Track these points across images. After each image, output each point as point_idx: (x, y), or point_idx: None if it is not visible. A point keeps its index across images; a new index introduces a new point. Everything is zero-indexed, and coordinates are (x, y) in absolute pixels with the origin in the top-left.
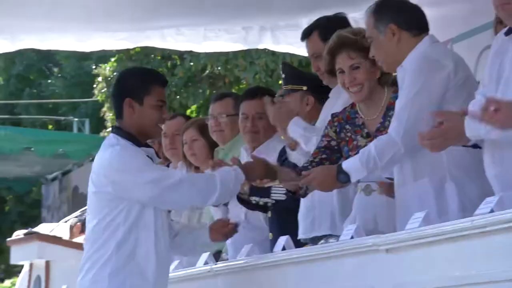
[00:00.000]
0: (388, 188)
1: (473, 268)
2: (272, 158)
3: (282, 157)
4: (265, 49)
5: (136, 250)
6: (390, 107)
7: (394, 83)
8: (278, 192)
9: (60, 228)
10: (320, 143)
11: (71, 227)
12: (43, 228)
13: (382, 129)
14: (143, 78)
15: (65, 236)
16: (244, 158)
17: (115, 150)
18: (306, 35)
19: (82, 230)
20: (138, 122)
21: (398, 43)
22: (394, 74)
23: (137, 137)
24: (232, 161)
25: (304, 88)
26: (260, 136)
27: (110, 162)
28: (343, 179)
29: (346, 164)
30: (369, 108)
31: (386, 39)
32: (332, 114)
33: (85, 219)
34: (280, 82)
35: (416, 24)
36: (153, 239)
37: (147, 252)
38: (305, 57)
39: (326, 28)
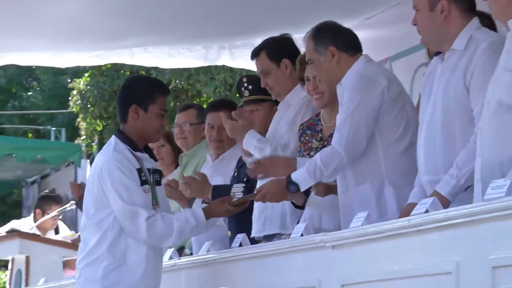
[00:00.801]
0: (323, 190)
1: (410, 263)
2: (235, 164)
3: (239, 163)
4: (223, 65)
5: (126, 255)
6: None
7: None
8: (237, 190)
9: (26, 221)
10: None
11: (34, 216)
12: (13, 224)
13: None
14: (150, 87)
15: (31, 223)
16: (209, 163)
17: (109, 159)
18: (255, 54)
19: (43, 214)
20: (141, 127)
21: (338, 63)
22: None
23: (136, 142)
24: (195, 174)
25: (273, 98)
26: (225, 144)
27: (102, 168)
28: (293, 189)
29: (295, 175)
30: (330, 116)
31: (326, 60)
32: (300, 125)
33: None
34: (238, 95)
35: (352, 45)
36: (142, 245)
37: (138, 258)
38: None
39: (272, 48)
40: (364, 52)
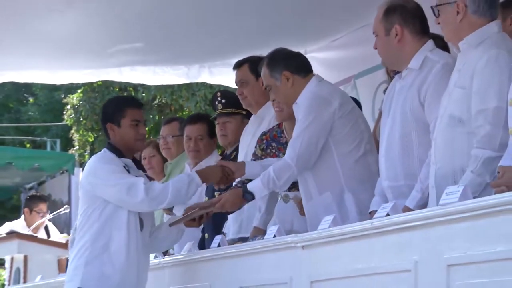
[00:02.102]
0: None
1: (372, 261)
2: None
3: None
4: (204, 82)
5: (109, 244)
6: None
7: None
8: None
9: (18, 222)
10: None
11: (24, 216)
12: (7, 225)
13: None
14: (118, 104)
15: (22, 223)
16: (188, 171)
17: (96, 157)
18: (238, 65)
19: (30, 212)
20: (120, 140)
21: (292, 85)
22: None
23: (122, 151)
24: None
25: (244, 112)
26: (201, 154)
27: (90, 165)
28: (248, 197)
29: (251, 185)
30: (291, 130)
31: (282, 84)
32: (262, 133)
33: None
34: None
35: (303, 67)
36: (124, 236)
37: (119, 247)
38: (234, 89)
39: (255, 62)
40: (331, 71)
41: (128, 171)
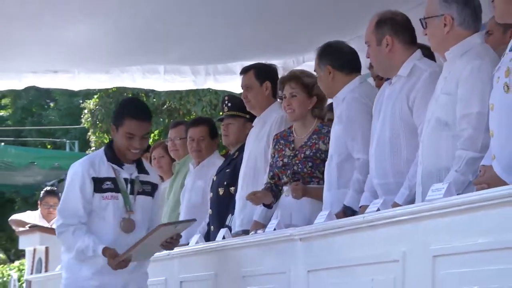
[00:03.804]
0: (300, 193)
1: (364, 252)
2: (212, 170)
3: (218, 170)
4: (209, 88)
5: None
6: (315, 132)
7: (320, 117)
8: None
9: (36, 213)
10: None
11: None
12: (26, 214)
13: (304, 146)
14: (121, 110)
15: (36, 215)
16: (192, 170)
17: (75, 167)
18: (244, 71)
19: (40, 204)
20: (116, 144)
21: (332, 80)
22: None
23: (119, 154)
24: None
25: (247, 116)
26: (203, 153)
27: (75, 167)
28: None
29: (347, 201)
30: (301, 130)
31: (324, 75)
32: (275, 134)
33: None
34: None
35: (348, 65)
36: (106, 241)
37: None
38: (238, 94)
39: (260, 69)
40: None
41: (112, 178)
